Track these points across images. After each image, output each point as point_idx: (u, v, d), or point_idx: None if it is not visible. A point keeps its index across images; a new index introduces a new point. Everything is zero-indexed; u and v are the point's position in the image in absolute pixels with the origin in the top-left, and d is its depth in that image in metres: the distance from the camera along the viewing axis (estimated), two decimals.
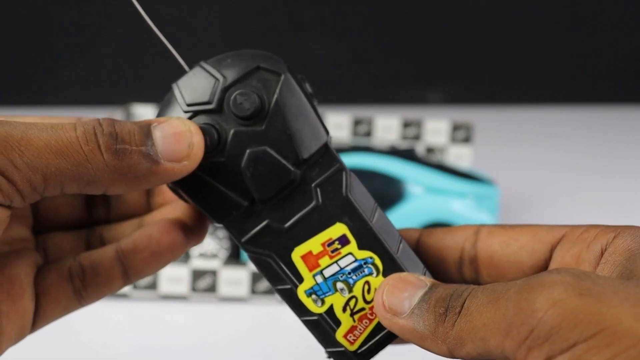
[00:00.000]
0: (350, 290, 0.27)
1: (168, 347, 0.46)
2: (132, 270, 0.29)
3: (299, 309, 0.27)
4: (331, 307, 0.27)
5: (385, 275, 0.27)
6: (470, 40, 1.03)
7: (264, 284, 0.50)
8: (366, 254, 0.27)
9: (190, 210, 0.30)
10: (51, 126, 0.23)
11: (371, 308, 0.27)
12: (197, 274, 0.49)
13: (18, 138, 0.22)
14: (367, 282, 0.27)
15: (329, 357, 0.28)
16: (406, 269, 0.27)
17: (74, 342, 0.45)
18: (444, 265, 0.29)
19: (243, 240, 0.27)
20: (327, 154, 0.27)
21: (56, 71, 0.99)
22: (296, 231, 0.27)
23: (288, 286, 0.27)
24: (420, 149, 0.65)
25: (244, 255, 0.51)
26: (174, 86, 0.26)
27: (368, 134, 0.66)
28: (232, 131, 0.26)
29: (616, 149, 0.88)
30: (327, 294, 0.27)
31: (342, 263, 0.27)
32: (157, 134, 0.24)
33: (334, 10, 1.01)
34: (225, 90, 0.26)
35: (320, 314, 0.27)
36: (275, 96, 0.26)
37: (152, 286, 0.50)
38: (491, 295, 0.22)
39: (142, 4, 0.25)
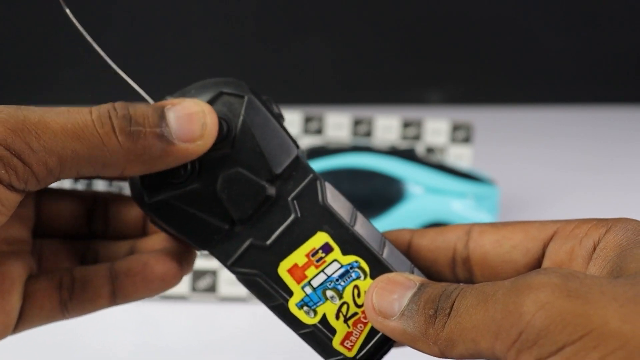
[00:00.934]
0: (341, 297, 0.27)
1: (168, 347, 0.46)
2: (120, 292, 0.29)
3: (294, 323, 0.27)
4: (324, 317, 0.27)
5: (373, 277, 0.27)
6: (470, 40, 1.03)
7: None
8: (351, 258, 0.27)
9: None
10: (67, 110, 0.24)
11: (363, 312, 0.27)
12: (197, 274, 0.49)
13: (35, 121, 0.23)
14: (356, 287, 0.27)
15: None
16: (393, 268, 0.27)
17: (74, 342, 0.45)
18: (437, 266, 0.29)
19: (229, 263, 0.27)
20: (300, 167, 0.27)
21: (56, 71, 0.99)
22: (279, 246, 0.27)
23: (279, 302, 0.27)
24: (420, 149, 0.65)
25: None
26: None
27: (368, 134, 0.66)
28: (203, 158, 0.26)
29: (616, 149, 0.88)
30: (318, 304, 0.27)
31: (329, 271, 0.27)
32: (171, 115, 0.25)
33: (333, 10, 1.01)
34: None
35: (314, 325, 0.27)
36: (241, 117, 0.26)
37: None
38: (480, 297, 0.22)
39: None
